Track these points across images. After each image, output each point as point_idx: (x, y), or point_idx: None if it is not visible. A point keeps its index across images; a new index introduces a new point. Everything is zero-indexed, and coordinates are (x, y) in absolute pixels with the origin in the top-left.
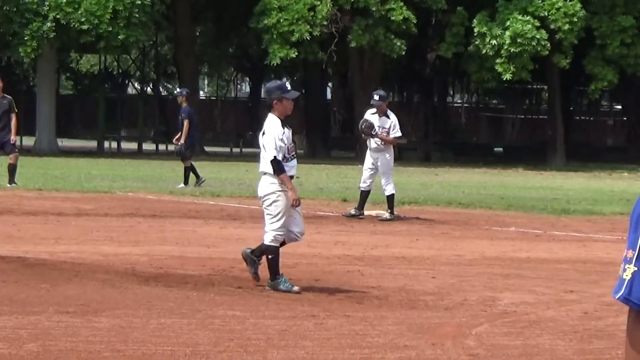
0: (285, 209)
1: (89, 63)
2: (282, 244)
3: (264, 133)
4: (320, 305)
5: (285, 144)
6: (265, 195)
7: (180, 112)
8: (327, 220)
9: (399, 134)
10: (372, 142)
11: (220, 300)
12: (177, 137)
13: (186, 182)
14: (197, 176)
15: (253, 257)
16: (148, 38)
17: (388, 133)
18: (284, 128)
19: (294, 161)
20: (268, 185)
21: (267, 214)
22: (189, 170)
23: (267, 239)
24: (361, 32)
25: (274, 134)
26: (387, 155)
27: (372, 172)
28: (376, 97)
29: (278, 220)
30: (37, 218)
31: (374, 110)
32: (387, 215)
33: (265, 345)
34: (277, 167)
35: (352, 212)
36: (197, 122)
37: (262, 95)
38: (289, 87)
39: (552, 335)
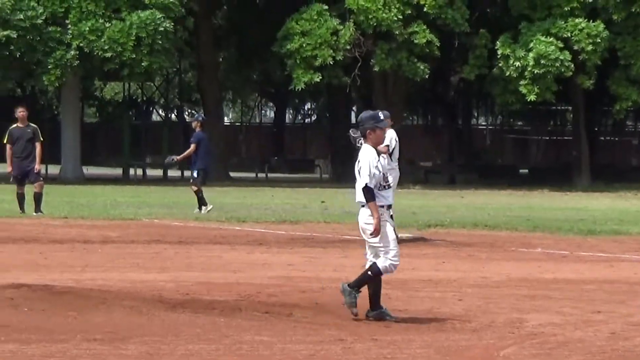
0: (391, 235)
1: (112, 90)
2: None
3: (358, 162)
4: (347, 329)
5: (380, 172)
6: (365, 226)
7: (192, 137)
8: (354, 244)
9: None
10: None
11: (248, 326)
12: (180, 156)
13: (202, 205)
14: (205, 203)
15: (351, 289)
16: (171, 65)
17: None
18: (378, 157)
19: (389, 191)
20: (367, 216)
21: (374, 246)
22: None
23: (381, 265)
24: (384, 56)
25: (368, 161)
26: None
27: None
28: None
29: (391, 248)
30: (64, 246)
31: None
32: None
33: None
34: (368, 194)
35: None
36: (209, 148)
37: (287, 120)
38: (381, 116)
39: (580, 356)
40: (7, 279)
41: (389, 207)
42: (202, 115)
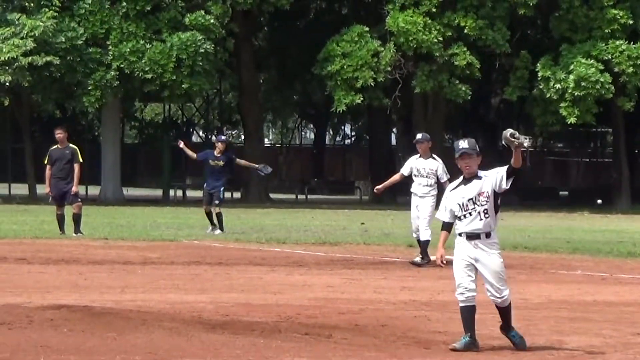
0: (457, 268)
1: (153, 111)
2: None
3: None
4: (387, 351)
5: (460, 202)
6: None
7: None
8: (393, 266)
9: (447, 177)
10: (417, 188)
11: (287, 347)
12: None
13: (221, 228)
14: (213, 224)
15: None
16: (212, 86)
17: (436, 176)
18: (464, 185)
19: (468, 219)
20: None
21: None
22: (220, 216)
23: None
24: (425, 78)
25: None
26: (431, 201)
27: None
28: (419, 136)
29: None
30: (103, 267)
31: (418, 155)
32: (418, 259)
33: None
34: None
35: (418, 260)
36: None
37: (327, 141)
38: (458, 145)
39: None
40: (48, 299)
41: (468, 236)
42: (225, 136)
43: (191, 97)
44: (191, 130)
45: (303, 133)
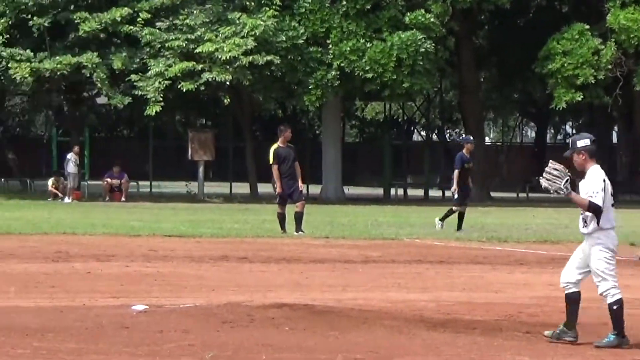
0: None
1: (373, 110)
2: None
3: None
4: (607, 350)
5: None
6: None
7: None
8: (617, 264)
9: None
10: None
11: (508, 346)
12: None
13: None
14: (445, 218)
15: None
16: (432, 85)
17: None
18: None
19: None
20: None
21: None
22: (462, 215)
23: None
24: None
25: None
26: None
27: None
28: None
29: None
30: (325, 265)
31: None
32: None
33: None
34: None
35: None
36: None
37: (548, 139)
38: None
39: None
40: (269, 298)
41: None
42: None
43: (412, 96)
44: (412, 129)
45: (524, 131)
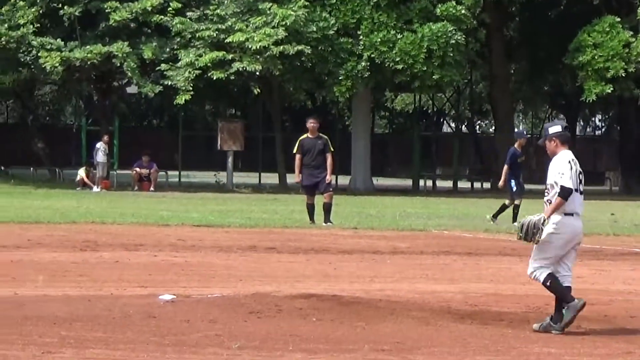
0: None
1: (403, 102)
2: None
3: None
4: (636, 343)
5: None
6: None
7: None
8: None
9: None
10: None
11: (536, 338)
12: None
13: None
14: (496, 215)
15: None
16: (462, 77)
17: None
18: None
19: None
20: None
21: None
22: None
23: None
24: None
25: None
26: None
27: None
28: None
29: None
30: (353, 256)
31: None
32: None
33: None
34: None
35: None
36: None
37: (577, 131)
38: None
39: None
40: (297, 288)
41: None
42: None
43: (442, 87)
44: (441, 120)
45: None
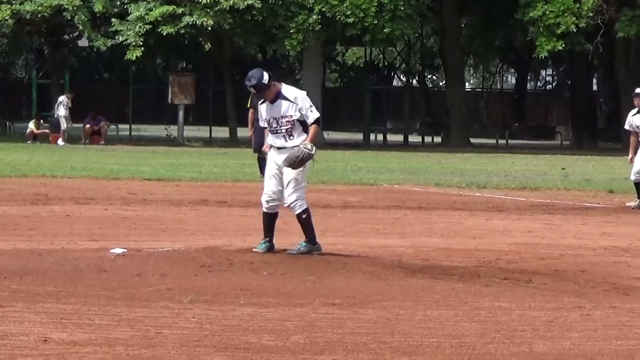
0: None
1: (354, 55)
2: None
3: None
4: (586, 297)
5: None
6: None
7: None
8: (594, 211)
9: None
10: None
11: (486, 292)
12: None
13: None
14: None
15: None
16: (413, 30)
17: None
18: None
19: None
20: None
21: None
22: None
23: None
24: (628, 23)
25: None
26: None
27: None
28: (638, 90)
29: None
30: None
31: (635, 110)
32: (633, 203)
33: (531, 337)
34: None
35: (632, 204)
36: None
37: (528, 86)
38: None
39: None
40: (248, 242)
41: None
42: None
43: (393, 41)
44: (392, 74)
45: (504, 78)
